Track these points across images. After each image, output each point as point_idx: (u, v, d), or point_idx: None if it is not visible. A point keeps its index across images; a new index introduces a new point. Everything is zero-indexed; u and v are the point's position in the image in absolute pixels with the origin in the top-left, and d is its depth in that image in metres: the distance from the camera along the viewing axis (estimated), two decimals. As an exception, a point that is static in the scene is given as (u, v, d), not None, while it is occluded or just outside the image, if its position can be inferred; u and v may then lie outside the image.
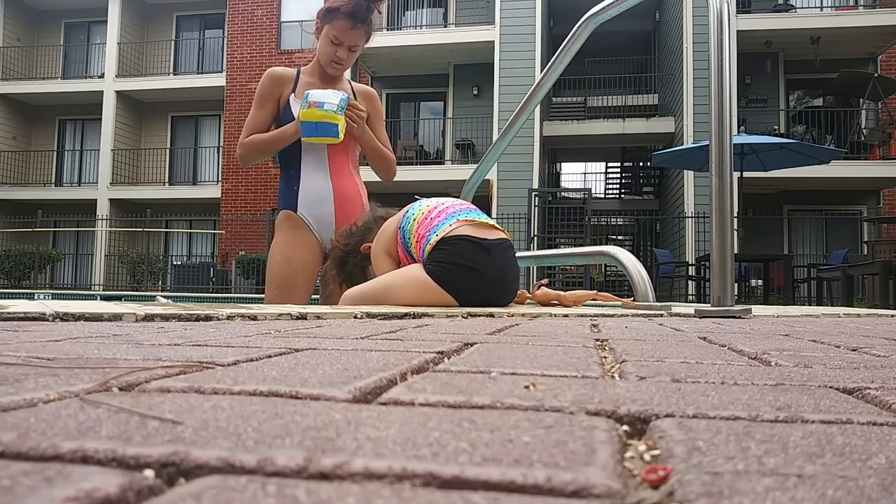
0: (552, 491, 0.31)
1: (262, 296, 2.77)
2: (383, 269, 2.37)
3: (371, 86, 16.61)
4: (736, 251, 7.34)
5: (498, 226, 2.35)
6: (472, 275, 2.16)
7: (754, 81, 14.13)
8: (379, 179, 2.86)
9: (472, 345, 0.97)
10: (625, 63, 16.80)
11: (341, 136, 2.50)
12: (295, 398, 0.51)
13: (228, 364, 0.69)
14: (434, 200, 2.41)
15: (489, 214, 2.49)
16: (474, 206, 2.43)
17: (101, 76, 17.54)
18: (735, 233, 6.13)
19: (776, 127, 14.09)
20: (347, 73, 2.78)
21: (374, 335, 1.12)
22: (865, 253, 11.13)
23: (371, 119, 2.70)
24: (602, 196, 19.58)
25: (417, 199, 2.48)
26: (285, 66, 2.78)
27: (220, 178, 17.26)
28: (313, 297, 2.83)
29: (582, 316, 2.06)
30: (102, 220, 16.68)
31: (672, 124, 14.44)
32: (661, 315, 2.28)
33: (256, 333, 1.11)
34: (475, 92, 15.58)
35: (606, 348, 0.99)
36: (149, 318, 1.41)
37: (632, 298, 2.83)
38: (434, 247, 2.19)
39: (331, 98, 2.47)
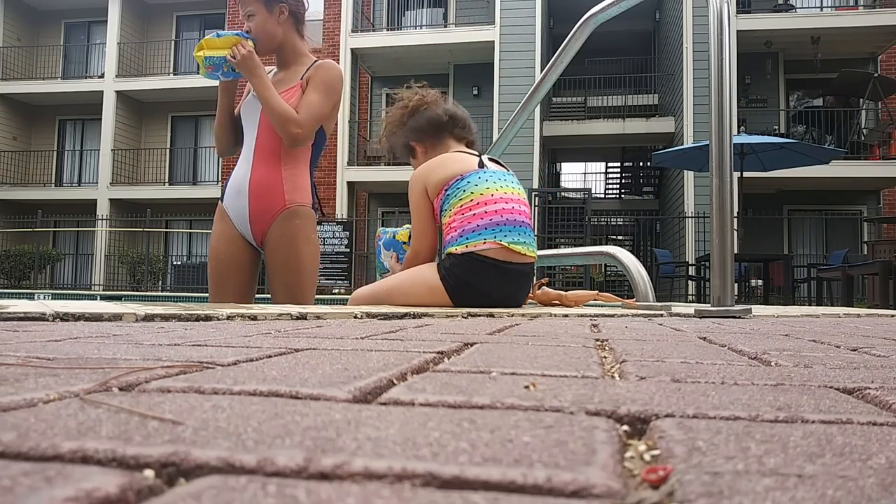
0: (552, 491, 0.31)
1: (264, 296, 2.69)
2: (418, 211, 2.34)
3: (371, 85, 16.61)
4: (736, 251, 7.34)
5: (530, 250, 2.31)
6: (483, 296, 2.22)
7: (754, 81, 14.12)
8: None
9: (472, 345, 0.97)
10: (625, 63, 16.79)
11: (198, 49, 2.42)
12: (295, 398, 0.51)
13: (228, 364, 0.69)
14: (493, 187, 2.30)
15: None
16: (525, 219, 2.33)
17: (101, 76, 17.53)
18: (735, 233, 6.13)
19: (776, 127, 14.09)
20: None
21: (374, 335, 1.12)
22: (865, 253, 11.13)
23: (309, 84, 2.47)
24: (602, 196, 19.57)
25: (484, 168, 2.34)
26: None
27: (220, 178, 17.25)
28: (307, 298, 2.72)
29: (582, 316, 2.06)
30: (102, 220, 16.67)
31: (672, 124, 14.43)
32: (661, 315, 2.28)
33: (256, 333, 1.11)
34: (475, 92, 15.57)
35: (606, 348, 0.99)
36: (149, 318, 1.41)
37: (632, 298, 2.83)
38: (458, 255, 2.23)
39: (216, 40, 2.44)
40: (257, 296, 2.70)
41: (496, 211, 2.25)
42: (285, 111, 2.39)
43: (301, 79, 2.49)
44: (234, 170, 2.53)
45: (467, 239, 2.21)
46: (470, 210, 2.24)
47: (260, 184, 2.45)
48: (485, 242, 2.20)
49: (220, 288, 2.51)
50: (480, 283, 2.20)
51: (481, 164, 2.34)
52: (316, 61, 2.56)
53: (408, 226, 2.56)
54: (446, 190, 2.28)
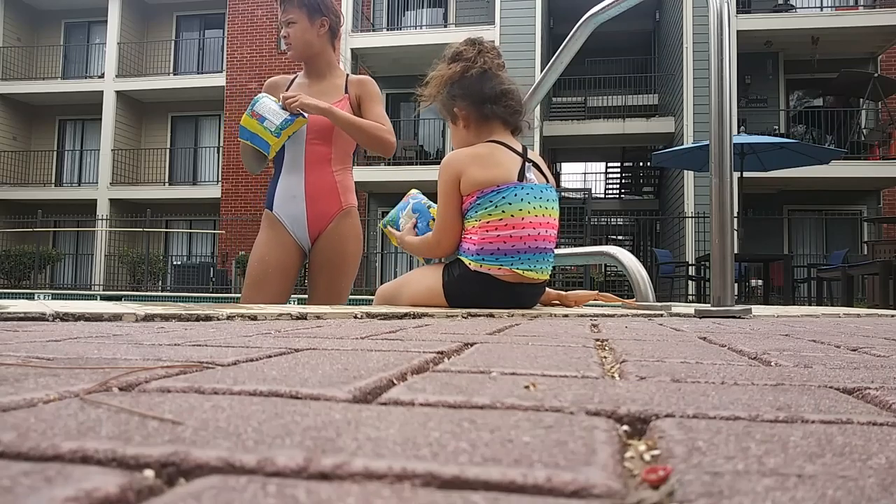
0: (552, 491, 0.31)
1: (299, 296, 2.77)
2: (447, 200, 2.20)
3: (371, 86, 16.60)
4: (736, 251, 7.34)
5: (545, 273, 2.26)
6: (482, 308, 2.19)
7: (754, 81, 14.12)
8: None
9: (472, 345, 0.97)
10: (625, 63, 16.79)
11: (271, 155, 2.54)
12: (295, 398, 0.51)
13: (228, 364, 0.69)
14: (527, 208, 2.15)
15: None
16: (549, 243, 2.24)
17: (101, 76, 17.52)
18: (735, 233, 6.13)
19: (776, 127, 14.08)
20: (347, 68, 2.75)
21: (374, 335, 1.12)
22: (865, 253, 11.13)
23: (363, 102, 2.63)
24: (602, 196, 19.56)
25: (523, 183, 2.16)
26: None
27: (220, 178, 17.25)
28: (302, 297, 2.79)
29: (582, 316, 2.06)
30: (102, 220, 16.67)
31: (672, 124, 14.43)
32: (661, 315, 2.28)
33: (256, 333, 1.11)
34: (475, 92, 15.55)
35: (606, 348, 0.99)
36: (149, 318, 1.41)
37: (632, 298, 2.83)
38: (470, 267, 2.18)
39: (274, 117, 2.47)
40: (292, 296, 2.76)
41: (521, 238, 2.15)
42: (377, 128, 2.55)
43: (346, 93, 2.63)
44: (281, 178, 2.62)
45: (483, 259, 2.15)
46: (496, 230, 2.13)
47: (316, 188, 2.58)
48: (500, 269, 2.15)
49: (261, 288, 2.58)
50: (484, 299, 2.18)
51: (521, 175, 2.17)
52: (348, 75, 2.71)
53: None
54: (478, 196, 2.15)
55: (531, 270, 2.19)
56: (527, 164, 2.22)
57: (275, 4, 2.69)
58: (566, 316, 2.04)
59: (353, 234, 2.64)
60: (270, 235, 2.62)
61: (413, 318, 1.76)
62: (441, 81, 2.32)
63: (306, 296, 2.74)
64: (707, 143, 2.41)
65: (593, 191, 16.51)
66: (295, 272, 2.66)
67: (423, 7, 16.13)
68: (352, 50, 14.48)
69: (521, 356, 0.83)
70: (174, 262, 17.16)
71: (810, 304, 9.70)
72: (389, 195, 15.81)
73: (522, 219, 2.15)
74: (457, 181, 2.18)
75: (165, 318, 1.43)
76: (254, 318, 1.52)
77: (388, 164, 14.82)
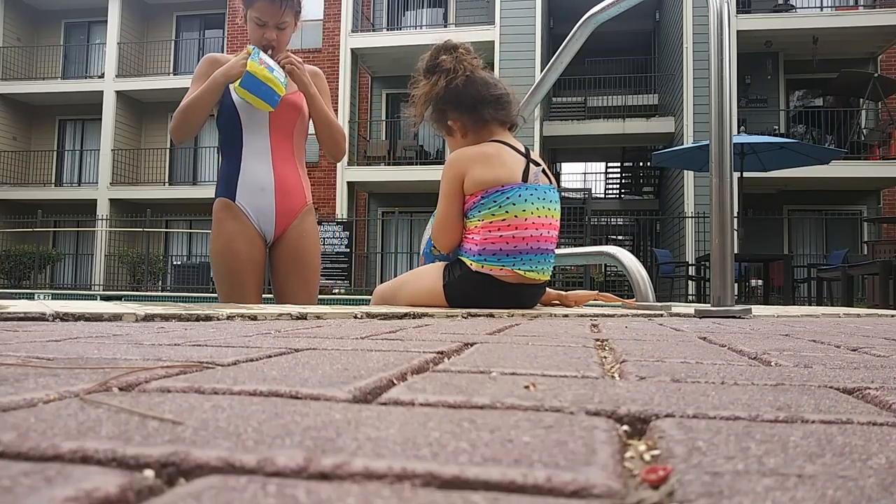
0: (552, 491, 0.31)
1: (266, 296, 2.64)
2: (449, 199, 2.19)
3: (371, 85, 16.62)
4: (736, 251, 7.33)
5: (546, 274, 2.26)
6: (483, 308, 2.18)
7: (754, 81, 14.12)
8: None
9: (472, 345, 0.97)
10: (625, 63, 16.80)
11: (275, 107, 2.39)
12: (295, 398, 0.51)
13: (228, 364, 0.69)
14: (530, 209, 2.15)
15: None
16: (551, 244, 2.24)
17: (101, 76, 17.52)
18: (735, 233, 6.13)
19: (776, 127, 14.08)
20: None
21: (374, 335, 1.12)
22: (865, 253, 11.12)
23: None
24: (602, 196, 19.57)
25: (527, 184, 2.17)
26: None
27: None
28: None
29: (582, 316, 2.06)
30: (102, 220, 16.67)
31: (672, 124, 14.44)
32: (661, 315, 2.28)
33: (256, 333, 1.11)
34: (475, 92, 15.54)
35: (606, 348, 0.99)
36: (149, 318, 1.41)
37: (632, 298, 2.83)
38: (471, 268, 2.17)
39: (278, 72, 2.38)
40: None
41: (524, 238, 2.15)
42: (341, 131, 2.55)
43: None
44: (243, 167, 2.45)
45: (485, 260, 2.15)
46: (498, 230, 2.13)
47: (285, 182, 2.50)
48: (501, 269, 2.14)
49: (240, 288, 2.45)
50: (484, 299, 2.17)
51: (525, 175, 2.17)
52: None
53: None
54: (482, 196, 2.14)
55: (532, 271, 2.19)
56: (531, 165, 2.22)
57: (242, 5, 2.54)
58: (566, 316, 2.04)
59: (316, 232, 2.61)
60: (237, 228, 2.45)
61: (413, 318, 1.77)
62: (427, 98, 2.28)
63: (271, 295, 2.61)
64: (707, 143, 2.42)
65: (593, 191, 16.53)
66: (264, 267, 2.55)
67: (423, 7, 16.14)
68: (351, 50, 14.48)
69: (521, 356, 0.83)
70: (174, 262, 17.16)
71: (810, 304, 9.70)
72: (389, 195, 15.82)
73: (525, 219, 2.15)
74: (461, 180, 2.17)
75: (165, 318, 1.43)
76: (254, 318, 1.52)
77: (389, 164, 14.82)
